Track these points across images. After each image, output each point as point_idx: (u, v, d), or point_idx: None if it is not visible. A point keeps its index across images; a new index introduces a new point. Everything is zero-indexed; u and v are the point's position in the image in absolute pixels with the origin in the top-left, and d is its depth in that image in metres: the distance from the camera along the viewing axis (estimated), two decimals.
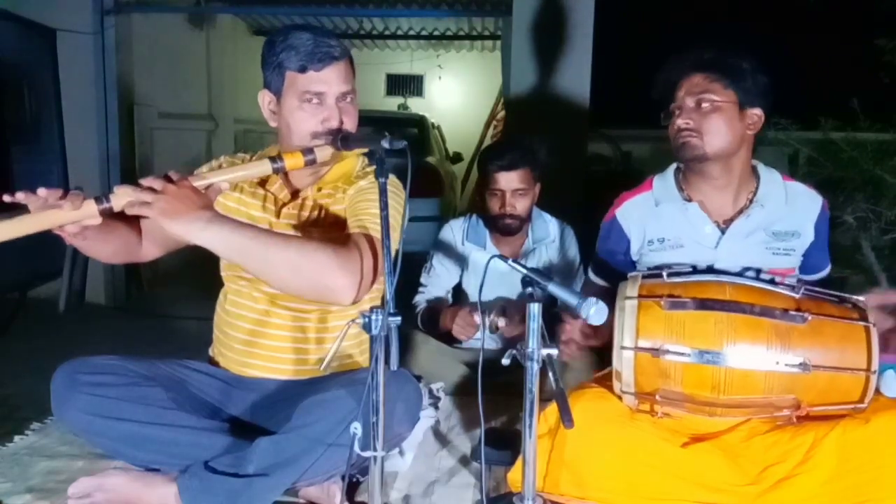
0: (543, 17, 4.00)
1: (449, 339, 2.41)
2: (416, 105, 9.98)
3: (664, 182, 1.79)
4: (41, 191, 1.29)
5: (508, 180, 2.28)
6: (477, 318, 2.15)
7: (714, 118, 1.64)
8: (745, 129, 1.67)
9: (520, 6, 4.04)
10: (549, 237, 2.44)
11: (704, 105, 1.64)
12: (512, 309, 2.17)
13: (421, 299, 2.48)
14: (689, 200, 1.73)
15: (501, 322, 2.13)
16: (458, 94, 10.34)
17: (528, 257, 2.42)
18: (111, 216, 1.34)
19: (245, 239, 1.33)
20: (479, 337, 2.15)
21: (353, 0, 6.24)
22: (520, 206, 2.30)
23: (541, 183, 2.39)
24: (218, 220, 1.34)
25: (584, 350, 1.68)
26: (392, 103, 10.17)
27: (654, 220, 1.75)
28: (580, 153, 4.13)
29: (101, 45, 4.40)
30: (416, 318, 2.43)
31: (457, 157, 7.36)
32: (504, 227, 2.33)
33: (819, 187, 1.76)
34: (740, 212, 1.70)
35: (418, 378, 2.32)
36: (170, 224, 1.29)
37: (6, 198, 1.27)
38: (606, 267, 1.86)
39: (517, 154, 2.30)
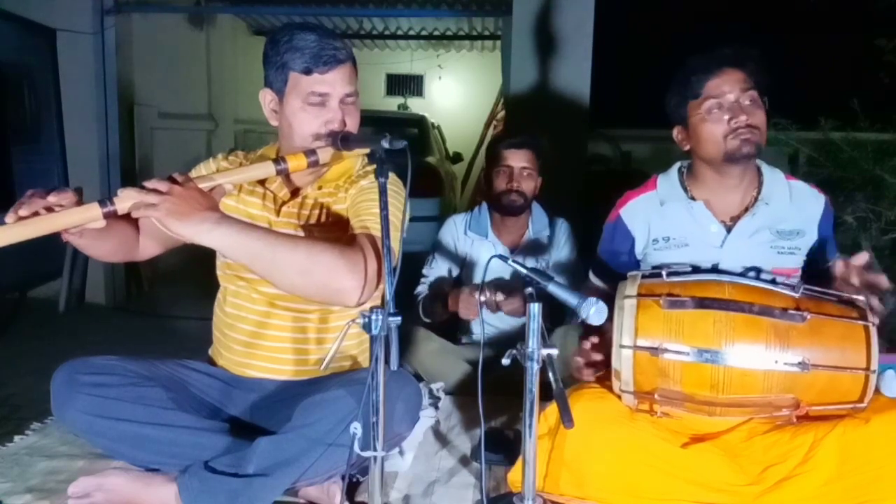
0: (543, 17, 4.00)
1: (452, 332, 2.44)
2: (416, 105, 9.99)
3: (669, 181, 1.77)
4: (37, 201, 1.29)
5: (517, 157, 2.38)
6: (477, 297, 2.19)
7: (761, 115, 1.62)
8: None
9: (520, 6, 4.05)
10: (546, 230, 2.49)
11: (750, 101, 1.61)
12: (507, 286, 2.20)
13: (423, 289, 2.50)
14: (694, 199, 1.72)
15: (500, 297, 2.16)
16: (458, 94, 10.35)
17: (527, 248, 2.45)
18: (114, 217, 1.34)
19: (253, 240, 1.34)
20: (479, 334, 2.16)
21: (353, 0, 6.25)
22: (525, 185, 2.38)
23: (541, 178, 2.45)
24: (226, 221, 1.34)
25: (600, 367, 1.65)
26: (392, 103, 10.18)
27: (658, 219, 1.74)
28: (580, 153, 4.14)
29: (101, 45, 4.41)
30: (417, 307, 2.44)
31: (457, 157, 7.36)
32: (509, 204, 2.38)
33: (819, 187, 1.76)
34: (745, 210, 1.68)
35: (418, 378, 2.32)
36: (177, 225, 1.29)
37: (18, 213, 1.27)
38: (608, 269, 1.85)
39: (526, 136, 2.45)
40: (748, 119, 1.60)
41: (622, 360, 1.45)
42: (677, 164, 1.80)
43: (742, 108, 1.60)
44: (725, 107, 1.62)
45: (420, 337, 2.30)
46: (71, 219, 1.30)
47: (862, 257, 1.49)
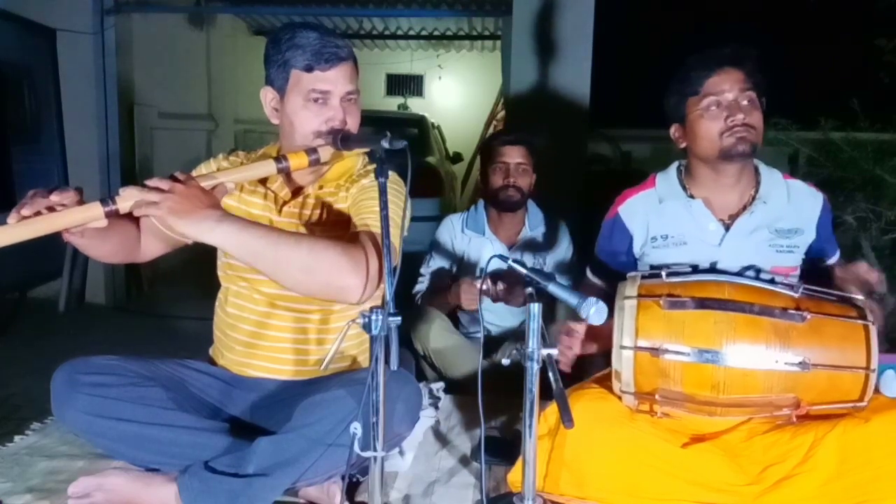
0: (543, 17, 4.00)
1: (454, 322, 2.45)
2: (416, 105, 9.99)
3: (667, 179, 1.77)
4: (39, 200, 1.29)
5: (512, 154, 2.43)
6: (478, 286, 2.20)
7: (758, 115, 1.63)
8: None
9: (520, 6, 4.05)
10: (542, 227, 2.52)
11: (748, 101, 1.62)
12: (509, 277, 2.21)
13: (421, 287, 2.52)
14: (693, 198, 1.72)
15: (500, 286, 2.18)
16: (458, 94, 10.35)
17: (524, 246, 2.46)
18: (115, 216, 1.34)
19: (255, 238, 1.33)
20: (479, 328, 2.17)
21: (353, 0, 6.25)
22: (521, 181, 2.42)
23: (536, 175, 2.48)
24: (227, 219, 1.34)
25: (584, 358, 1.67)
26: (392, 103, 10.18)
27: (657, 216, 1.74)
28: (580, 153, 4.14)
29: (101, 45, 4.41)
30: (416, 306, 2.45)
31: (457, 157, 7.36)
32: (506, 199, 2.41)
33: (819, 187, 1.76)
34: (744, 209, 1.69)
35: (419, 377, 2.32)
36: (179, 223, 1.29)
37: (21, 213, 1.26)
38: (607, 268, 1.85)
39: (521, 134, 2.52)
40: (745, 118, 1.61)
41: (623, 361, 1.45)
42: (676, 163, 1.80)
43: (739, 108, 1.61)
44: (724, 105, 1.62)
45: (433, 316, 2.31)
46: (73, 218, 1.30)
47: (861, 267, 1.55)
